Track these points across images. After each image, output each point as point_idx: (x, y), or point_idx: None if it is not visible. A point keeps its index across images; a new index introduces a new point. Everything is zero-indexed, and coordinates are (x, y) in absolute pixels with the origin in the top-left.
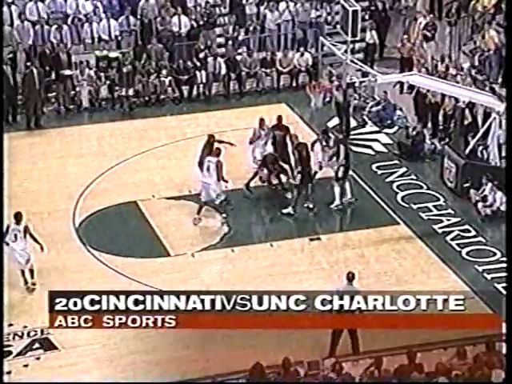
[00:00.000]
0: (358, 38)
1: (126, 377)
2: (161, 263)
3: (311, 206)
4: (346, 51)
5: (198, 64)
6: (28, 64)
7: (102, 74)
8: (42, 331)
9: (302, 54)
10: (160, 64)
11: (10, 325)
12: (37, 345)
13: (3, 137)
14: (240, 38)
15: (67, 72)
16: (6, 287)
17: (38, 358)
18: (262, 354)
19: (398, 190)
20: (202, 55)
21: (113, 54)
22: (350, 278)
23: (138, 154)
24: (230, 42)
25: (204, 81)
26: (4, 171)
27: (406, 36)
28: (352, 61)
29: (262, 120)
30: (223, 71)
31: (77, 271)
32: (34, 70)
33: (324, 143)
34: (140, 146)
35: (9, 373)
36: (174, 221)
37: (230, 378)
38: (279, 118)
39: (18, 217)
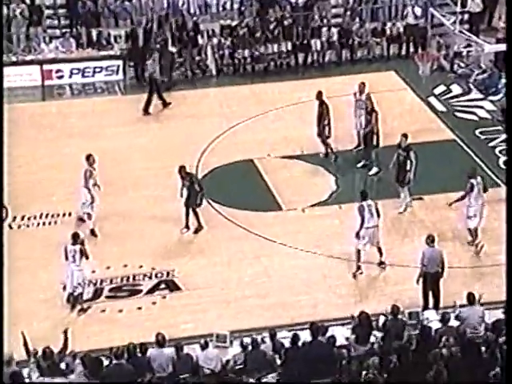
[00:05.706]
0: (466, 9)
1: (239, 318)
2: (274, 217)
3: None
4: (454, 22)
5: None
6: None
7: (225, 41)
8: (167, 273)
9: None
10: (278, 32)
11: (141, 266)
12: (163, 285)
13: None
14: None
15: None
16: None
17: (164, 297)
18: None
19: (500, 155)
20: (316, 25)
21: (235, 24)
22: (432, 239)
23: (256, 116)
24: (346, 13)
25: (318, 49)
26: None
27: None
28: (460, 31)
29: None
30: (336, 40)
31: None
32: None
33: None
34: (257, 109)
35: (139, 308)
36: (287, 178)
37: (336, 324)
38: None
39: (75, 237)
